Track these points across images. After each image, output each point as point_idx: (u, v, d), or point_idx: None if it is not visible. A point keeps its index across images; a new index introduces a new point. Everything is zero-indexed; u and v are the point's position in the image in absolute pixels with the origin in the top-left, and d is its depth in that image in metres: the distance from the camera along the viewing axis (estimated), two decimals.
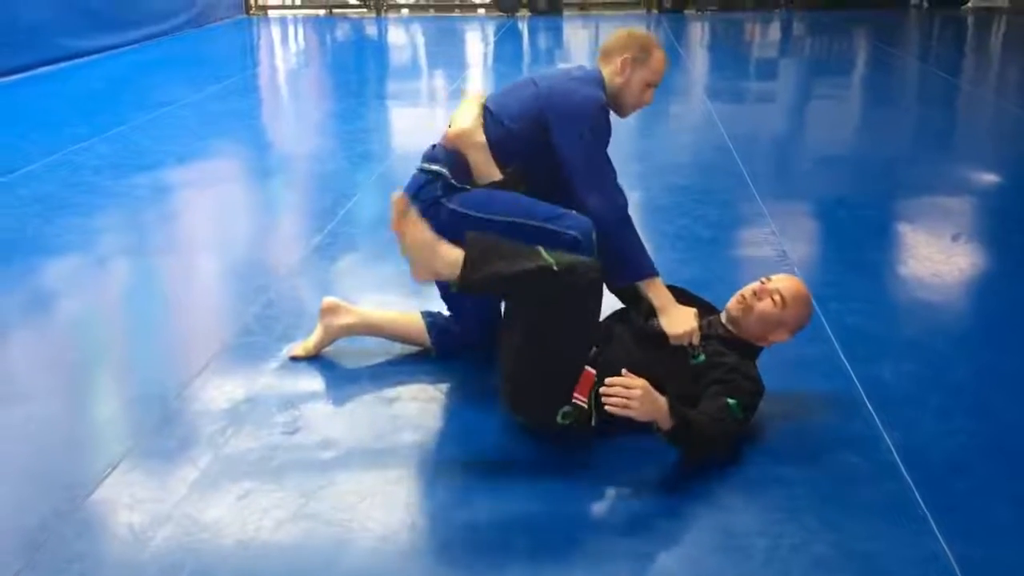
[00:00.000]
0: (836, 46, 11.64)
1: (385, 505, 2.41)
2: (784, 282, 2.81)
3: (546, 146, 2.91)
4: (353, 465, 2.61)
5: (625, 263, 2.87)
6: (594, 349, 2.65)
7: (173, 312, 3.79)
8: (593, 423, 2.61)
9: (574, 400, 2.59)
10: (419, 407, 2.90)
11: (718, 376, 2.65)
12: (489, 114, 3.01)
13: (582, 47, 11.89)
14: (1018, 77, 9.67)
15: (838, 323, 3.41)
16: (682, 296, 2.96)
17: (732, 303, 2.81)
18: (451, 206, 2.90)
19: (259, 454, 2.64)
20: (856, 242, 4.38)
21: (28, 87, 8.50)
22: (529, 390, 2.64)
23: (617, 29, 3.12)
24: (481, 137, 2.93)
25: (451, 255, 2.56)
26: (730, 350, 2.74)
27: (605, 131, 2.94)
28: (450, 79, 9.44)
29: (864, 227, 4.60)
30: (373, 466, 2.60)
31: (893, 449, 2.63)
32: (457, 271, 2.54)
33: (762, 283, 2.80)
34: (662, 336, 2.76)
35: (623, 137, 6.70)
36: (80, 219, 4.74)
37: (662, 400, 2.42)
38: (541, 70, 3.09)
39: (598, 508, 2.41)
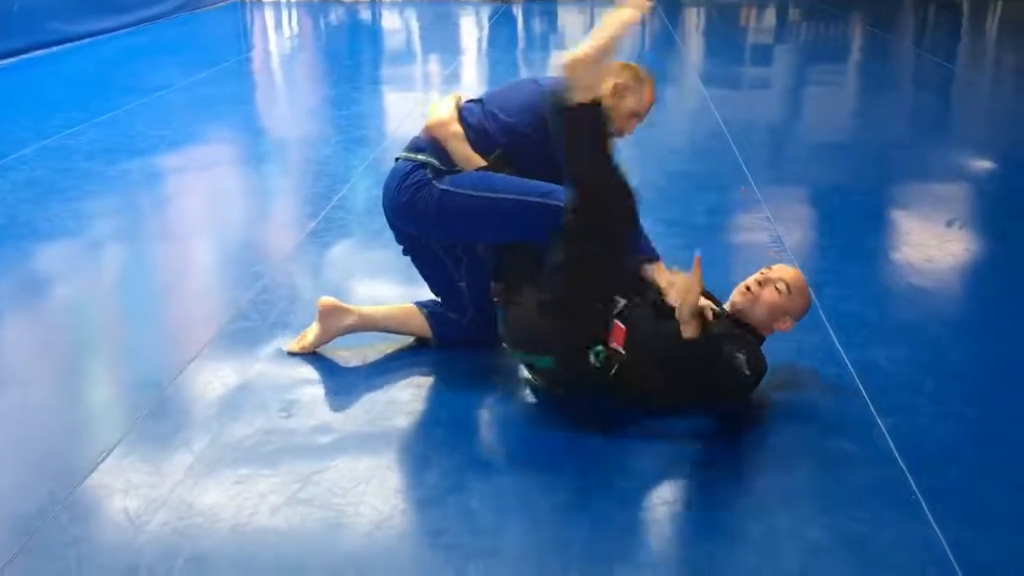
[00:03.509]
0: (831, 32, 11.62)
1: (380, 490, 2.42)
2: (787, 272, 2.87)
3: (545, 139, 2.90)
4: (348, 450, 2.61)
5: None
6: (624, 302, 2.75)
7: (167, 297, 3.78)
8: (613, 372, 2.68)
9: (611, 346, 2.67)
10: (413, 393, 2.90)
11: (731, 339, 2.70)
12: (480, 106, 3.03)
13: (576, 33, 11.85)
14: (1013, 62, 9.67)
15: (832, 309, 3.41)
16: None
17: (736, 295, 2.84)
18: (442, 186, 2.91)
19: (254, 439, 2.64)
20: (851, 228, 4.39)
21: (20, 71, 8.45)
22: (568, 320, 2.69)
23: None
24: (457, 127, 2.95)
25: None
26: (738, 329, 2.80)
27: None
28: (444, 64, 9.41)
29: (859, 213, 4.61)
30: (368, 451, 2.60)
31: (887, 435, 2.64)
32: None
33: (764, 273, 2.84)
34: (673, 313, 2.76)
35: None
36: (73, 204, 4.72)
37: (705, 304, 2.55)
38: (533, 74, 3.13)
39: (591, 492, 2.41)
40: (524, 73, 8.98)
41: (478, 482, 2.44)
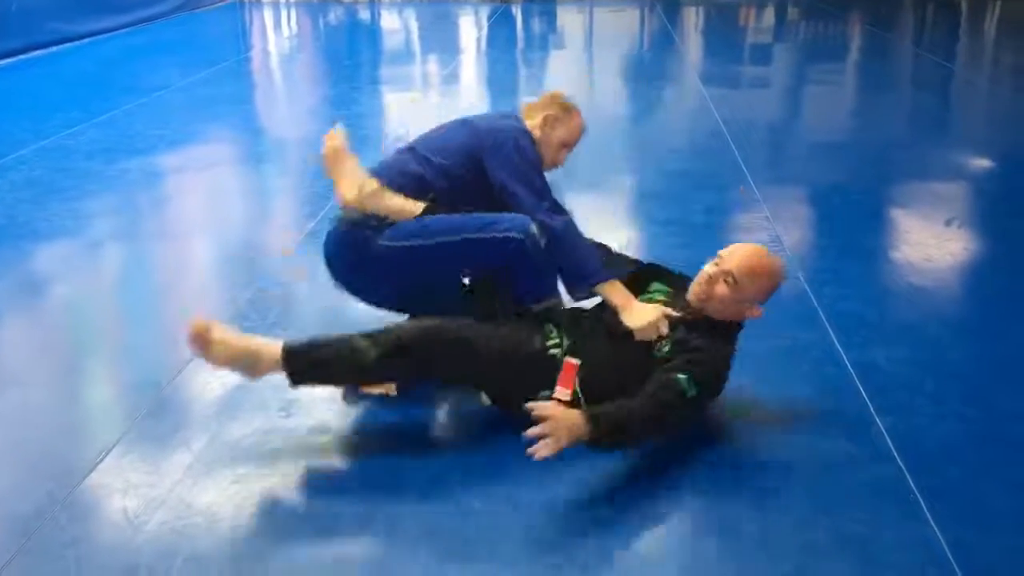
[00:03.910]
0: (830, 31, 11.63)
1: (381, 489, 2.41)
2: (735, 259, 2.67)
3: (481, 178, 2.89)
4: (348, 449, 2.61)
5: (578, 272, 2.81)
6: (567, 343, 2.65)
7: (166, 297, 3.78)
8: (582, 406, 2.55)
9: (556, 394, 2.57)
10: (412, 393, 2.89)
11: (678, 358, 2.57)
12: (412, 154, 2.98)
13: (576, 33, 11.86)
14: (1012, 62, 9.67)
15: (831, 308, 3.41)
16: (659, 273, 2.97)
17: (692, 290, 2.72)
18: (383, 242, 2.81)
19: (253, 439, 2.64)
20: (850, 227, 4.39)
21: (19, 71, 8.45)
22: (504, 390, 2.67)
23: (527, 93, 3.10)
24: (373, 184, 2.85)
25: None
26: (701, 332, 2.65)
27: (538, 158, 2.94)
28: (443, 64, 9.41)
29: (858, 212, 4.61)
30: (368, 451, 2.60)
31: (886, 434, 2.64)
32: None
33: (716, 264, 2.69)
34: (631, 332, 2.70)
35: (617, 122, 6.71)
36: (72, 204, 4.72)
37: (573, 415, 2.33)
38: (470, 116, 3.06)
39: (589, 493, 2.41)
40: (523, 73, 8.99)
41: (477, 483, 2.44)
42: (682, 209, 4.57)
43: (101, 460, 2.55)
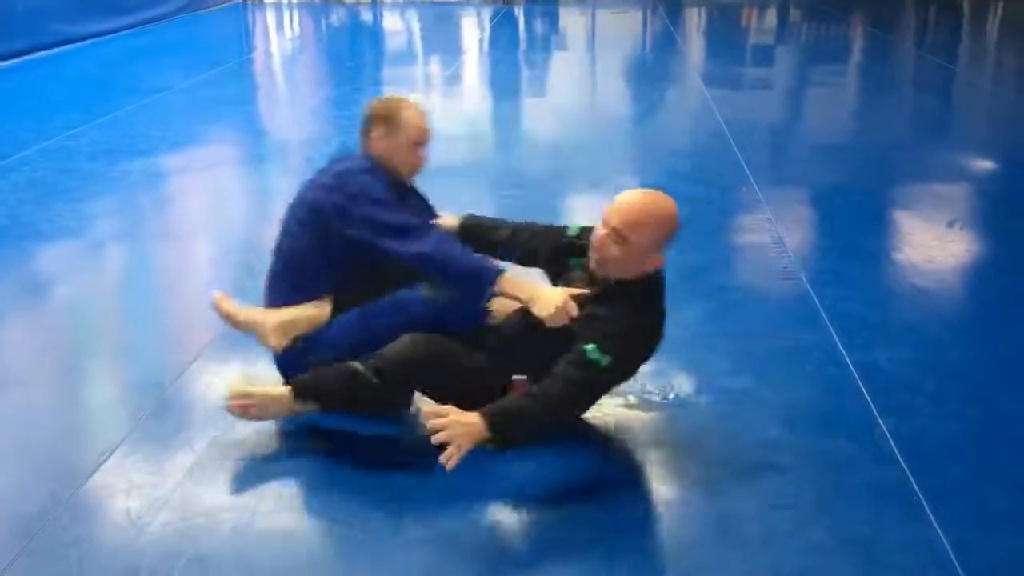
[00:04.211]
0: (832, 33, 11.63)
1: (381, 490, 2.42)
2: (618, 215, 2.47)
3: (345, 245, 2.75)
4: (351, 448, 2.61)
5: (470, 282, 2.66)
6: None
7: (169, 298, 3.78)
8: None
9: None
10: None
11: (588, 331, 2.47)
12: (283, 262, 2.87)
13: (578, 34, 11.86)
14: (1014, 63, 9.67)
15: (833, 310, 3.41)
16: (568, 245, 2.76)
17: (591, 258, 2.55)
18: (317, 359, 2.74)
19: (256, 439, 2.64)
20: (852, 229, 4.39)
21: (22, 72, 8.46)
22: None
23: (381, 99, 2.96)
24: (269, 319, 2.78)
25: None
26: (612, 301, 2.51)
27: (385, 187, 2.76)
28: (445, 65, 9.41)
29: (860, 214, 4.61)
30: (370, 451, 2.61)
31: (888, 435, 2.63)
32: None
33: (602, 226, 2.51)
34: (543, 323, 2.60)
35: (620, 123, 6.71)
36: (74, 205, 4.72)
37: (470, 417, 2.27)
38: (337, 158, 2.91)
39: (594, 493, 2.41)
40: (525, 74, 8.99)
41: (478, 488, 2.44)
42: (684, 210, 4.55)
43: (104, 461, 2.55)
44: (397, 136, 2.83)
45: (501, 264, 2.71)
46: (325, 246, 2.77)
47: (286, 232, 2.89)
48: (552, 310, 2.54)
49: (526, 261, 2.85)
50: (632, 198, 2.51)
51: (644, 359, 2.55)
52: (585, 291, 2.57)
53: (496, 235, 2.84)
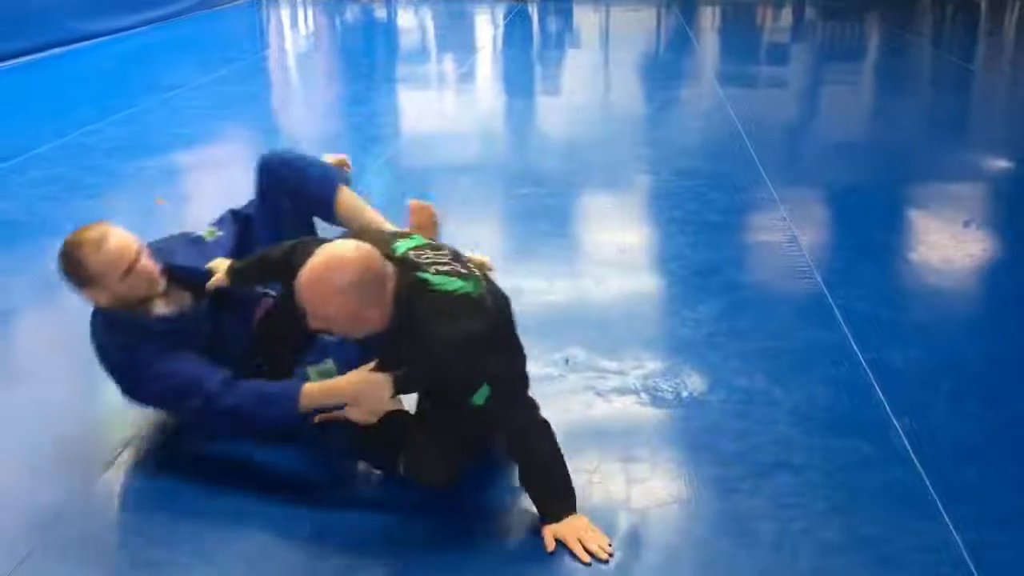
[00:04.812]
0: (848, 31, 11.57)
1: (383, 489, 2.43)
2: (301, 300, 2.16)
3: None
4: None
5: (273, 409, 2.40)
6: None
7: None
8: None
9: None
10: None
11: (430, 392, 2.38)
12: None
13: (592, 32, 11.84)
14: None
15: (848, 309, 3.40)
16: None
17: None
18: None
19: (273, 434, 2.64)
20: (867, 228, 4.37)
21: (39, 69, 8.50)
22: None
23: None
24: None
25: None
26: (408, 358, 2.30)
27: (145, 363, 2.48)
28: (459, 63, 9.41)
29: (875, 213, 4.59)
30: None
31: (903, 435, 2.63)
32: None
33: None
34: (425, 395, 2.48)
35: (634, 121, 6.70)
36: (90, 201, 4.75)
37: (568, 517, 2.23)
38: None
39: (611, 490, 2.41)
40: (539, 71, 8.99)
41: (483, 485, 2.45)
42: (698, 209, 4.56)
43: (119, 455, 2.56)
44: (103, 285, 2.48)
45: (297, 378, 2.47)
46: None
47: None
48: (368, 410, 2.34)
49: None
50: (303, 280, 2.13)
51: (502, 347, 2.27)
52: (372, 365, 2.33)
53: (264, 265, 2.60)
